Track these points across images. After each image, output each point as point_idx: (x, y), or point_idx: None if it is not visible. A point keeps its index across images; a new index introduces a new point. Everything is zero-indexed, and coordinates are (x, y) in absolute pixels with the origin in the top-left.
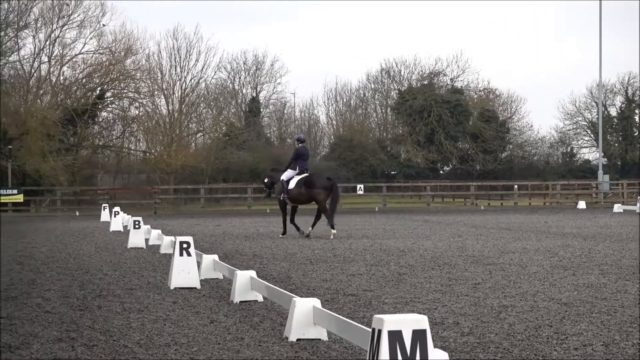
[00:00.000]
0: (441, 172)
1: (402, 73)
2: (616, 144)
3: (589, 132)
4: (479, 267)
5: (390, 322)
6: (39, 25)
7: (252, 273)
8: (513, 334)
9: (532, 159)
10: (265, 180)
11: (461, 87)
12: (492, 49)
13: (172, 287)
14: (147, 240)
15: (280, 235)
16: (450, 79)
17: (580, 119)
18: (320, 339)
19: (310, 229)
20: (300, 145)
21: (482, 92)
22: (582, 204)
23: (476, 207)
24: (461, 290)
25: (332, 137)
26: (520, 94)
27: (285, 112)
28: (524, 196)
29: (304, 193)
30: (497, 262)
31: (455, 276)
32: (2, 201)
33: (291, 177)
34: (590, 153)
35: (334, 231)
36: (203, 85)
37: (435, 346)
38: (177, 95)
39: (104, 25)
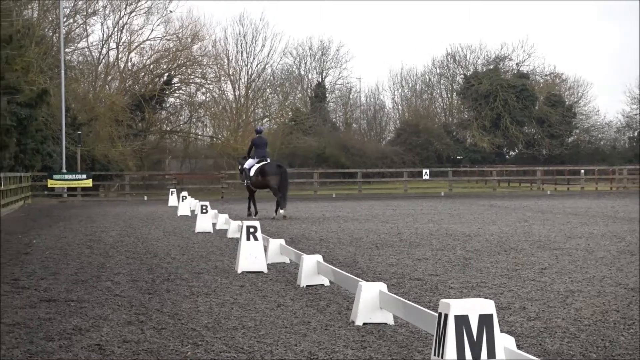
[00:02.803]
0: (507, 156)
1: (468, 58)
2: None
3: None
4: (546, 252)
5: (456, 306)
6: (107, 12)
7: (319, 257)
8: (580, 319)
9: (599, 144)
10: (239, 167)
11: (527, 71)
12: (558, 33)
13: (239, 271)
14: (214, 224)
15: (254, 216)
16: (516, 64)
17: None
18: (386, 323)
19: (274, 214)
20: (256, 136)
21: (548, 76)
22: None
23: (542, 191)
24: (527, 275)
25: (397, 122)
26: (586, 78)
27: (351, 97)
28: (590, 181)
29: (260, 180)
30: (563, 247)
31: (522, 261)
32: (71, 186)
33: (252, 166)
34: None
35: (281, 211)
36: (269, 70)
37: (501, 331)
38: (243, 80)
39: (171, 11)
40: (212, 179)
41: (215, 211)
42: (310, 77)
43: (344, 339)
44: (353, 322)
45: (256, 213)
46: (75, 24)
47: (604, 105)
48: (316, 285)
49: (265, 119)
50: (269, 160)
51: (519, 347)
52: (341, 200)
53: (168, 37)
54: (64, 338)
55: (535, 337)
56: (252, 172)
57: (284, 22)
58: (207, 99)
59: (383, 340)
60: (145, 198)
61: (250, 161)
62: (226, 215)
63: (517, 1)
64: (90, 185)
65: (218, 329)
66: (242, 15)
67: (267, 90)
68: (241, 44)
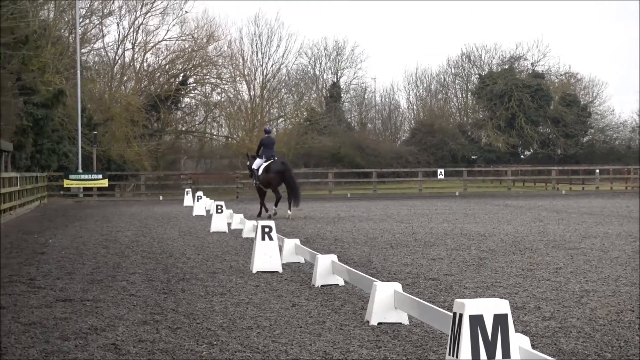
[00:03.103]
0: (522, 156)
1: (483, 57)
2: None
3: None
4: (561, 252)
5: (471, 306)
6: (122, 12)
7: (334, 257)
8: (595, 318)
9: (614, 143)
10: (248, 163)
11: (542, 71)
12: (573, 33)
13: (254, 271)
14: (229, 224)
15: (268, 214)
16: (531, 64)
17: None
18: (401, 323)
19: (288, 212)
20: (265, 135)
21: (563, 76)
22: None
23: (557, 191)
24: (542, 274)
25: (412, 122)
26: (601, 78)
27: (366, 97)
28: (605, 180)
29: (266, 178)
30: (578, 247)
31: (537, 261)
32: (87, 186)
33: (260, 165)
34: None
35: (274, 208)
36: (284, 70)
37: (516, 330)
38: (258, 80)
39: (186, 12)
40: (227, 179)
41: (231, 211)
42: (325, 77)
43: (359, 339)
44: (368, 321)
45: (267, 211)
46: (91, 24)
47: (619, 104)
48: (331, 285)
49: (280, 119)
50: (275, 159)
51: (533, 346)
52: (356, 200)
53: (183, 38)
54: (80, 337)
55: (550, 337)
56: (260, 172)
57: (299, 22)
58: (223, 99)
59: (398, 340)
60: (161, 198)
61: (258, 161)
62: (241, 215)
63: (532, 1)
64: (106, 185)
65: (233, 329)
66: (257, 15)
67: (282, 90)
68: (256, 44)
